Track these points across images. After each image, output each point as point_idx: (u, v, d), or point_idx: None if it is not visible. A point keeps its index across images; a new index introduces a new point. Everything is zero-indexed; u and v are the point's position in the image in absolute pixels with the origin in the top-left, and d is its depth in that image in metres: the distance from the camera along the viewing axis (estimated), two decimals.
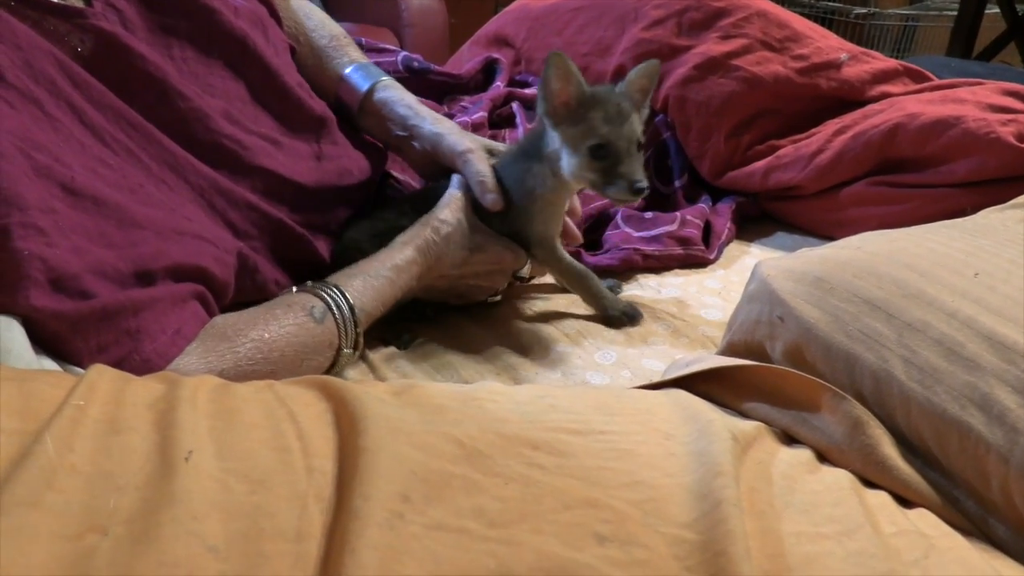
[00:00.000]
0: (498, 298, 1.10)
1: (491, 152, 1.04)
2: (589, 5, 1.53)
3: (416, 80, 1.47)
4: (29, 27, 0.74)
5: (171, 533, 0.35)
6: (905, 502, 0.55)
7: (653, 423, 0.54)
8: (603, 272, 1.17)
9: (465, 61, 1.64)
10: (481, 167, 0.98)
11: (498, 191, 0.97)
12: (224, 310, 0.83)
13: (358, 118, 1.08)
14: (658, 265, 1.22)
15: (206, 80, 0.90)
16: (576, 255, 1.17)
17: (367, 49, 1.50)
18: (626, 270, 1.21)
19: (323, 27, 1.16)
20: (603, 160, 0.89)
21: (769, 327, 0.64)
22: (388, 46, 1.52)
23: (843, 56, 1.38)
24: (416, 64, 1.48)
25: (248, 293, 0.87)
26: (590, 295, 1.04)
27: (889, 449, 0.55)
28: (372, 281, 0.89)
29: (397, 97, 1.08)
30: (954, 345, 0.56)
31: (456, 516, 0.41)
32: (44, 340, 0.64)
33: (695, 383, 0.65)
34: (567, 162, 0.92)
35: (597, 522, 0.43)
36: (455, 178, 1.00)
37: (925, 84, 1.40)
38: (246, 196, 0.87)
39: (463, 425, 0.48)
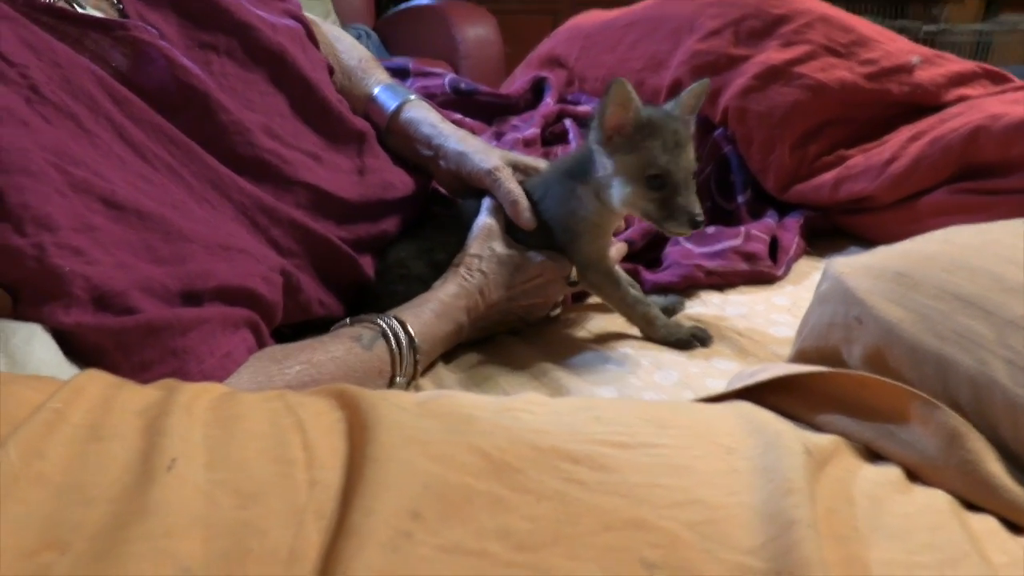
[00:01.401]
0: (558, 310, 1.07)
1: (518, 167, 1.00)
2: (642, 19, 1.49)
3: (464, 102, 1.44)
4: (69, 45, 0.74)
5: (139, 551, 0.30)
6: (1016, 528, 0.47)
7: (712, 436, 0.47)
8: (664, 289, 1.11)
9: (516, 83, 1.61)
10: (511, 186, 0.95)
11: (530, 210, 0.94)
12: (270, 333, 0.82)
13: (386, 138, 1.07)
14: (721, 282, 1.15)
15: (245, 95, 0.89)
16: (634, 272, 1.11)
17: (415, 74, 1.48)
18: (688, 287, 1.14)
19: (353, 49, 1.17)
20: (660, 191, 0.85)
21: (845, 330, 0.57)
22: (436, 70, 1.50)
23: (915, 59, 1.30)
24: (464, 86, 1.45)
25: (290, 313, 0.86)
26: (645, 323, 0.97)
27: (994, 465, 0.47)
28: (421, 314, 0.88)
29: (422, 116, 1.05)
30: None
31: (477, 537, 0.35)
32: (85, 353, 0.63)
33: (762, 395, 0.57)
34: (619, 191, 0.87)
35: (645, 546, 0.36)
36: (485, 202, 0.98)
37: (1007, 86, 1.30)
38: (289, 212, 0.85)
39: (492, 436, 0.42)
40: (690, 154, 0.87)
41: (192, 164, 0.79)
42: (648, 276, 1.13)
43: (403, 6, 3.07)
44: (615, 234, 1.06)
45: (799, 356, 0.62)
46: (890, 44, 1.33)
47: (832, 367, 0.56)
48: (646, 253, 1.21)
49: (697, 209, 0.84)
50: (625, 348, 0.97)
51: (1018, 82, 1.32)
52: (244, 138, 0.85)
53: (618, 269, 0.99)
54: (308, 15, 1.13)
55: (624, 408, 0.50)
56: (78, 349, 0.62)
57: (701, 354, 0.96)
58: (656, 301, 1.03)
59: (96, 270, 0.64)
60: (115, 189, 0.68)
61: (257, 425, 0.42)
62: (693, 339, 0.96)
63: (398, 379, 0.83)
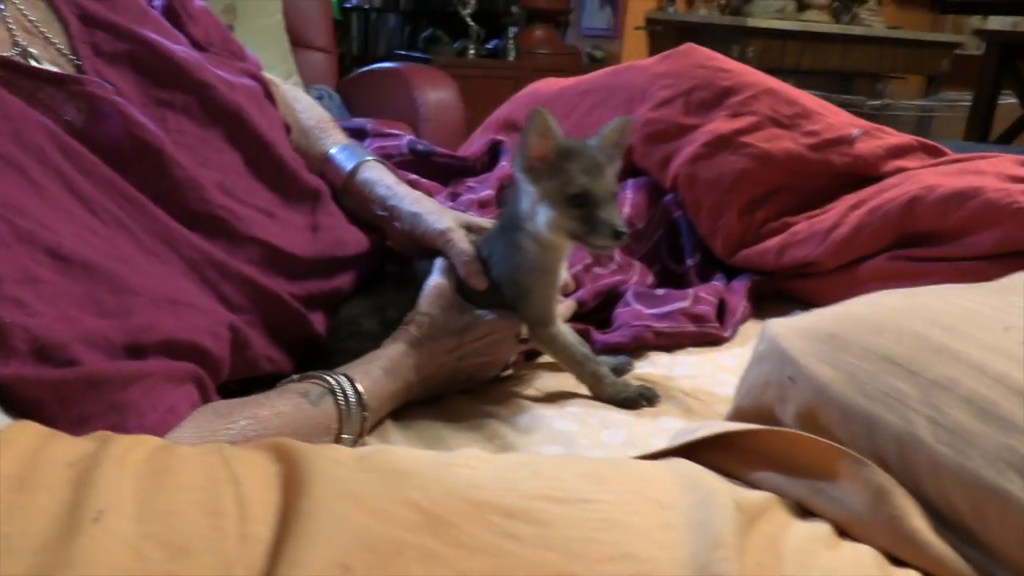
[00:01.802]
0: (510, 370, 1.07)
1: (471, 228, 1.02)
2: (598, 87, 1.53)
3: (421, 163, 1.46)
4: (23, 99, 0.74)
5: None
6: None
7: (648, 492, 0.48)
8: (614, 350, 1.12)
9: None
10: (463, 247, 0.97)
11: (481, 271, 0.96)
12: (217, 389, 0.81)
13: (342, 198, 1.07)
14: (670, 343, 1.17)
15: (201, 152, 0.90)
16: (585, 333, 1.13)
17: (373, 134, 1.50)
18: (637, 348, 1.15)
19: (311, 109, 1.18)
20: (582, 208, 0.88)
21: (779, 389, 0.58)
22: (394, 131, 1.52)
23: (855, 132, 1.35)
24: (421, 147, 1.48)
25: (238, 369, 0.85)
26: (594, 381, 0.98)
27: (919, 521, 0.48)
28: (370, 372, 0.88)
29: (378, 177, 1.07)
30: (986, 404, 0.50)
31: None
32: (22, 406, 0.62)
33: (700, 453, 0.59)
34: (544, 216, 0.90)
35: None
36: (438, 262, 0.99)
37: (942, 159, 1.36)
38: (240, 268, 0.85)
39: (427, 490, 0.42)
40: (610, 176, 0.90)
41: (143, 219, 0.79)
42: (598, 337, 1.14)
43: (365, 68, 3.12)
44: (566, 294, 1.08)
45: (736, 414, 0.64)
46: (832, 117, 1.39)
47: (767, 425, 0.57)
48: (597, 314, 1.22)
49: (619, 222, 0.87)
50: (574, 407, 0.97)
51: (952, 155, 1.38)
52: (197, 194, 0.85)
53: (567, 327, 1.01)
54: (268, 75, 1.15)
55: (563, 464, 0.51)
56: (15, 401, 0.61)
57: (648, 413, 0.96)
58: (606, 361, 1.04)
59: (38, 322, 0.63)
60: (62, 241, 0.68)
61: (190, 478, 0.41)
62: (640, 398, 0.97)
63: (345, 436, 0.83)
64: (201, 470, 0.43)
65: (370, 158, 1.10)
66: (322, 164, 1.10)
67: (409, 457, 0.48)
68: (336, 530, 0.36)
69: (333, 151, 1.11)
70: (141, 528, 0.36)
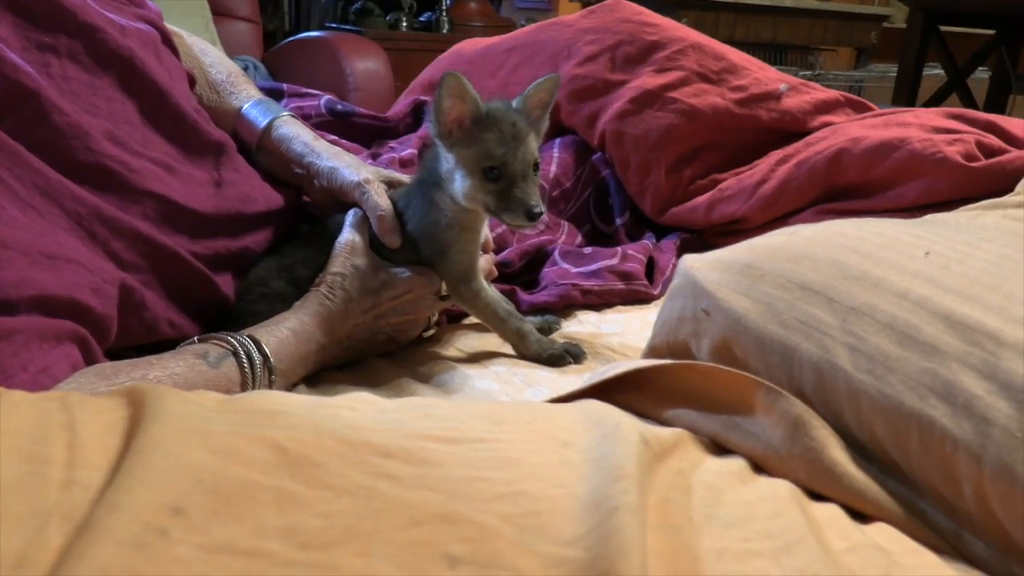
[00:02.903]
0: (433, 330, 1.02)
1: (391, 183, 0.97)
2: (522, 44, 1.49)
3: (340, 123, 1.40)
4: None
5: None
6: (861, 516, 0.45)
7: (550, 431, 0.44)
8: (541, 310, 1.09)
9: None
10: (379, 199, 0.92)
11: (396, 227, 0.91)
12: (109, 354, 0.75)
13: (256, 156, 1.01)
14: (598, 301, 1.14)
15: (89, 99, 0.83)
16: (511, 293, 1.09)
17: (289, 94, 1.43)
18: (565, 307, 1.12)
19: (220, 63, 1.11)
20: (497, 182, 0.84)
21: (694, 323, 0.55)
22: (311, 91, 1.45)
23: (782, 87, 1.34)
24: (340, 107, 1.41)
25: (135, 333, 0.79)
26: (517, 338, 0.95)
27: (837, 453, 0.45)
28: (277, 332, 0.83)
29: (294, 133, 1.01)
30: (907, 328, 0.47)
31: (254, 536, 0.30)
32: None
33: (613, 394, 0.55)
34: (460, 185, 0.86)
35: (452, 541, 0.32)
36: (349, 217, 0.94)
37: (867, 113, 1.36)
38: (134, 224, 0.79)
39: (295, 429, 0.37)
40: (531, 146, 0.86)
41: (16, 168, 0.72)
42: (525, 297, 1.11)
43: (292, 39, 3.01)
44: (489, 251, 1.03)
45: (650, 352, 0.60)
46: (759, 72, 1.37)
47: (682, 361, 0.53)
48: (524, 275, 1.18)
49: (534, 201, 0.83)
50: (497, 366, 0.94)
51: (878, 110, 1.38)
52: (83, 142, 0.78)
53: (490, 285, 0.96)
54: (173, 27, 1.08)
55: (461, 407, 0.47)
56: None
57: (574, 371, 0.93)
58: (532, 321, 1.01)
59: None
60: None
61: (16, 423, 0.36)
62: (566, 354, 0.94)
63: None
64: (32, 415, 0.37)
65: (285, 114, 1.04)
66: (235, 120, 1.04)
67: (283, 400, 0.43)
68: (170, 468, 0.31)
69: (246, 107, 1.04)
70: None
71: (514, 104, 0.87)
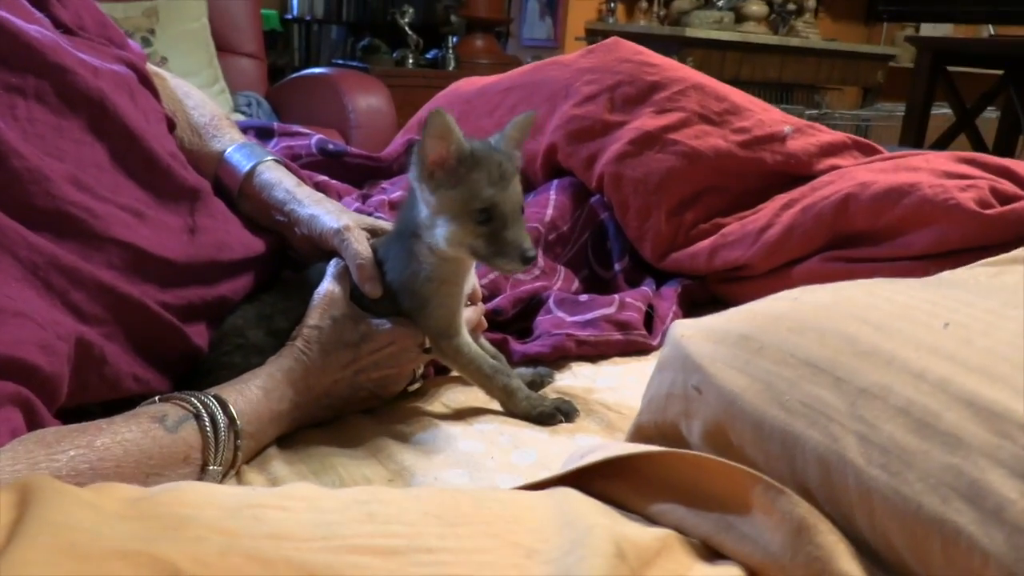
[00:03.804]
0: (418, 383, 0.97)
1: (375, 231, 0.92)
2: (520, 84, 1.45)
3: (331, 163, 1.36)
4: None
5: None
6: None
7: (513, 535, 0.38)
8: (534, 361, 1.03)
9: None
10: (358, 247, 0.87)
11: (376, 277, 0.86)
12: (66, 413, 0.70)
13: (238, 202, 0.97)
14: (594, 352, 1.08)
15: (55, 143, 0.79)
16: (503, 343, 1.03)
17: (280, 133, 1.39)
18: (559, 358, 1.06)
19: (204, 106, 1.07)
20: (488, 225, 0.79)
21: (684, 401, 0.49)
22: (302, 129, 1.41)
23: (787, 128, 1.29)
24: (332, 147, 1.37)
25: (96, 390, 0.75)
26: (505, 395, 0.89)
27: (848, 564, 0.39)
28: (246, 391, 0.78)
29: (276, 180, 0.97)
30: (925, 415, 0.41)
31: None
32: None
33: (594, 479, 0.49)
34: (443, 230, 0.80)
35: None
36: (330, 267, 0.89)
37: (876, 156, 1.30)
38: (96, 273, 0.74)
39: (200, 544, 0.31)
40: (517, 187, 0.81)
41: None
42: (517, 347, 1.05)
43: (295, 75, 3.01)
44: (477, 302, 0.98)
45: (636, 432, 0.54)
46: (763, 113, 1.32)
47: (670, 446, 0.47)
48: (516, 323, 1.13)
49: (528, 244, 0.79)
50: (483, 425, 0.88)
51: (886, 153, 1.33)
52: (42, 187, 0.74)
53: (469, 338, 0.90)
54: (155, 68, 1.04)
55: (414, 502, 0.41)
56: None
57: (565, 430, 0.88)
58: (523, 373, 0.95)
59: None
60: None
61: None
62: (557, 412, 0.89)
63: (212, 468, 0.72)
64: None
65: (269, 158, 0.99)
66: (217, 165, 0.99)
67: (201, 499, 0.37)
68: None
69: (229, 151, 1.00)
70: None
71: (493, 143, 0.83)
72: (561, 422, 0.88)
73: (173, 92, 1.06)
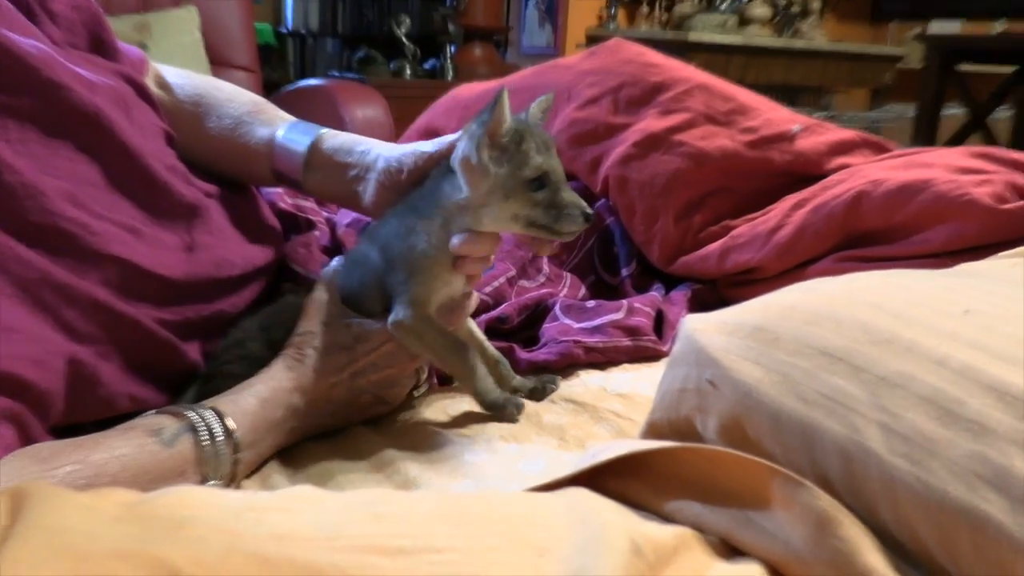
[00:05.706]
0: (424, 389, 0.95)
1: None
2: (520, 88, 1.43)
3: None
4: None
5: None
6: None
7: (524, 534, 0.36)
8: (541, 369, 1.01)
9: None
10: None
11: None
12: (59, 430, 0.69)
13: (306, 176, 0.94)
14: (603, 359, 1.06)
15: (49, 161, 0.78)
16: (509, 351, 1.01)
17: None
18: (567, 366, 1.04)
19: (239, 96, 1.03)
20: (542, 192, 0.79)
21: (698, 396, 0.47)
22: None
23: (795, 127, 1.27)
24: None
25: (89, 409, 0.74)
26: (465, 374, 0.87)
27: (873, 557, 0.38)
28: (241, 401, 0.77)
29: (348, 139, 0.94)
30: (949, 402, 0.40)
31: None
32: None
33: (607, 478, 0.47)
34: (496, 208, 0.80)
35: None
36: (321, 276, 0.89)
37: (887, 154, 1.29)
38: (90, 291, 0.74)
39: (200, 544, 0.30)
40: (557, 156, 0.82)
41: None
42: (524, 355, 1.03)
43: (291, 87, 3.01)
44: (475, 316, 0.96)
45: (649, 430, 0.53)
46: (770, 112, 1.30)
47: (684, 441, 0.46)
48: (522, 331, 1.11)
49: (583, 202, 0.80)
50: (490, 434, 0.86)
51: (897, 150, 1.31)
52: (37, 203, 0.73)
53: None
54: (165, 73, 1.03)
55: (420, 503, 0.39)
56: None
57: (575, 440, 0.86)
58: (524, 383, 0.94)
59: None
60: None
61: None
62: (509, 404, 0.88)
63: (211, 481, 0.70)
64: None
65: (325, 130, 0.96)
66: (269, 151, 0.96)
67: (203, 500, 0.36)
68: None
69: (281, 133, 0.96)
70: None
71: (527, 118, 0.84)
72: (510, 418, 0.88)
73: (200, 88, 1.03)
